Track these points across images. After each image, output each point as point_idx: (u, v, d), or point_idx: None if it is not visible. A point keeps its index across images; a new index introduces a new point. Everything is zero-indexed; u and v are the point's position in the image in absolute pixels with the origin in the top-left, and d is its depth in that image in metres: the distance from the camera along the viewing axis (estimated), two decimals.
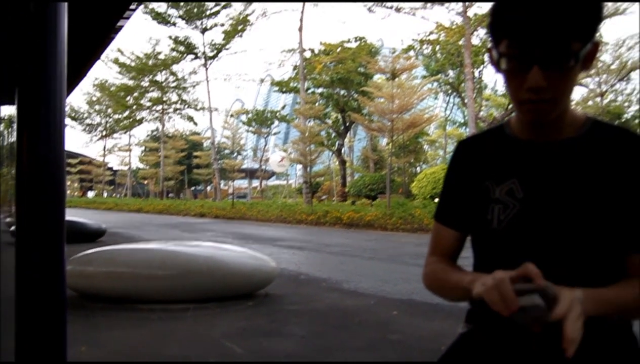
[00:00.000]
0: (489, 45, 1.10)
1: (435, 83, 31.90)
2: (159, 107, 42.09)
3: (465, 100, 19.59)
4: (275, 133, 47.19)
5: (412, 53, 30.08)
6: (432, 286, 1.29)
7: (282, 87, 35.93)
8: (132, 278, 4.94)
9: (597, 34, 1.06)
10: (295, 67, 32.80)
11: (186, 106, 42.01)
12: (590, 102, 17.39)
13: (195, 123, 47.57)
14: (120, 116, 45.19)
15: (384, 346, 3.82)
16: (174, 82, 40.34)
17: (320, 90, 34.07)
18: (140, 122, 44.80)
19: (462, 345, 1.26)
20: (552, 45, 0.98)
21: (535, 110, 1.06)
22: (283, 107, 43.42)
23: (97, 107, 47.19)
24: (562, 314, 0.90)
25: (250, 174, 52.27)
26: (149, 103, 42.05)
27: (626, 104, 26.16)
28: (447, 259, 1.30)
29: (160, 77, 39.93)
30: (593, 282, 1.03)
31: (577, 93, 19.41)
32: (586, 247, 1.09)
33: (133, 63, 38.47)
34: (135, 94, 40.99)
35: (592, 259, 1.10)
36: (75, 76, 5.56)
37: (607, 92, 17.05)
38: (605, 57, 15.95)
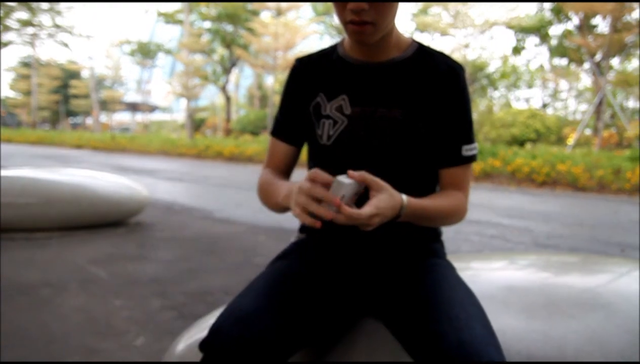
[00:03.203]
0: None
1: (322, 25, 31.86)
2: (30, 30, 38.34)
3: None
4: (160, 66, 44.98)
5: None
6: (262, 199, 1.32)
7: (168, 18, 34.13)
8: None
9: None
10: None
11: (61, 31, 38.63)
12: (459, 53, 18.67)
13: (72, 51, 44.15)
14: None
15: (247, 268, 4.00)
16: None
17: (207, 24, 32.79)
18: (6, 45, 40.64)
19: (291, 248, 1.34)
20: None
21: (359, 32, 1.11)
22: (169, 40, 41.24)
23: None
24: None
25: (134, 107, 49.90)
26: (16, 25, 38.09)
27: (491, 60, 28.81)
28: (279, 172, 1.34)
29: None
30: (411, 194, 1.10)
31: (448, 45, 21.07)
32: (405, 161, 1.20)
33: None
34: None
35: (410, 172, 1.21)
36: None
37: (469, 44, 18.44)
38: (471, 12, 17.10)
